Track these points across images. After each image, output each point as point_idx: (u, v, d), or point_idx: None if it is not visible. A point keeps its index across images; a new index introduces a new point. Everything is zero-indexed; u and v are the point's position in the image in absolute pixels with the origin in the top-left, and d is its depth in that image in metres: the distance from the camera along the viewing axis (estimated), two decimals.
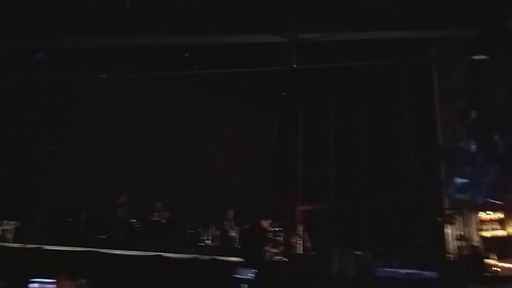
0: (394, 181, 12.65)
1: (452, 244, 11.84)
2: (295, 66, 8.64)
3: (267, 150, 14.98)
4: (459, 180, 9.15)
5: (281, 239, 11.03)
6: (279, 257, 10.32)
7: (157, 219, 11.09)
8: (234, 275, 7.00)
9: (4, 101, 10.74)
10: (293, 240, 11.46)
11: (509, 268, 12.01)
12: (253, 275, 6.80)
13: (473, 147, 9.18)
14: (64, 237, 9.64)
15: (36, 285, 5.95)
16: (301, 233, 11.73)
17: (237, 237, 11.07)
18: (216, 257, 9.18)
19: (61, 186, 11.62)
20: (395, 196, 12.46)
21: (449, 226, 11.99)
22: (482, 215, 13.16)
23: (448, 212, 12.19)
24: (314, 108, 14.92)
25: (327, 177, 14.43)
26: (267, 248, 9.39)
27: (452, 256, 11.57)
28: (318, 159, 14.80)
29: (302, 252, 11.26)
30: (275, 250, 9.98)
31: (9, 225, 8.88)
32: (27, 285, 6.00)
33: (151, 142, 12.71)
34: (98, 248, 8.84)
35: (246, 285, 6.74)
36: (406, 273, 9.69)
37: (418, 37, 10.09)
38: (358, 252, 10.08)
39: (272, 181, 14.76)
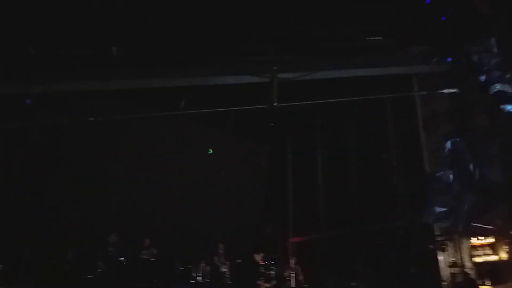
0: (385, 208, 12.68)
1: (445, 271, 11.79)
2: (276, 104, 8.94)
3: (257, 182, 14.94)
4: (438, 209, 9.42)
5: (274, 273, 10.82)
6: None
7: (146, 256, 10.84)
8: None
9: None
10: (286, 273, 11.27)
11: None
12: None
13: (450, 176, 9.49)
14: (51, 279, 9.34)
15: None
16: (294, 266, 11.55)
17: (229, 273, 10.85)
18: None
19: (48, 226, 11.36)
20: (387, 223, 12.45)
21: (441, 253, 11.97)
22: (474, 240, 13.20)
23: (439, 239, 12.19)
24: (302, 137, 15.04)
25: (318, 207, 14.39)
26: (259, 283, 9.19)
27: (446, 283, 11.50)
28: (308, 189, 14.80)
29: (295, 286, 11.05)
30: (268, 285, 9.77)
31: None
32: None
33: (139, 178, 12.60)
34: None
35: None
36: None
37: (389, 73, 10.32)
38: (353, 284, 9.96)
39: (263, 213, 14.64)
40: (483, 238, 13.38)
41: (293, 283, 11.09)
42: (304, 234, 14.20)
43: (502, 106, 9.20)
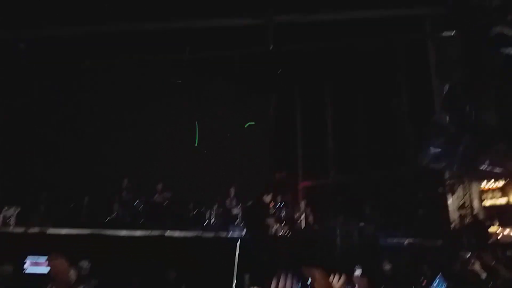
0: (394, 152, 12.64)
1: (454, 213, 11.91)
2: (271, 48, 9.05)
3: (266, 128, 14.92)
4: (433, 150, 9.52)
5: (284, 214, 11.06)
6: (282, 232, 10.37)
7: (159, 200, 11.10)
8: (228, 235, 7.01)
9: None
10: (296, 215, 11.51)
11: (510, 235, 12.14)
12: (244, 233, 6.84)
13: (446, 118, 9.54)
14: (67, 221, 9.68)
15: (30, 264, 6.01)
16: (304, 208, 11.77)
17: (240, 215, 11.10)
18: (219, 234, 9.20)
19: (64, 171, 11.65)
20: (396, 169, 12.45)
21: (450, 196, 12.04)
22: (484, 184, 13.23)
23: (449, 182, 12.22)
24: (310, 83, 14.74)
25: (327, 152, 14.40)
26: (270, 222, 9.41)
27: (454, 225, 11.65)
28: (317, 134, 14.74)
29: (305, 227, 11.32)
30: (278, 225, 10.02)
31: (10, 210, 8.88)
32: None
33: (152, 125, 12.71)
34: (102, 230, 8.87)
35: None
36: (409, 242, 9.78)
37: (388, 15, 10.06)
38: (361, 224, 10.13)
39: (273, 159, 14.73)
40: (492, 181, 13.43)
41: (303, 225, 11.36)
42: (314, 179, 14.35)
43: (501, 49, 9.03)
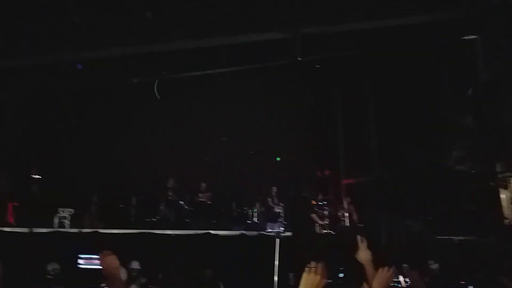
0: (440, 148, 12.18)
1: (507, 208, 11.34)
2: (299, 59, 9.51)
3: (307, 125, 14.84)
4: (456, 152, 9.92)
5: (327, 212, 10.98)
6: (326, 230, 10.31)
7: (203, 199, 11.35)
8: (266, 231, 7.05)
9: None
10: (339, 213, 11.39)
11: None
12: (283, 228, 6.86)
13: (469, 120, 9.84)
14: (118, 221, 10.13)
15: (83, 261, 6.33)
16: (347, 206, 11.62)
17: (282, 213, 11.14)
18: (263, 232, 9.28)
19: (112, 174, 12.18)
20: (444, 163, 12.03)
21: (503, 190, 11.46)
22: None
23: (501, 175, 11.64)
24: (350, 77, 14.44)
25: (370, 148, 14.09)
26: (314, 216, 9.36)
27: (508, 220, 11.09)
28: (359, 130, 14.46)
29: (349, 225, 11.18)
30: (322, 222, 9.97)
31: (65, 213, 9.40)
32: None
33: (195, 125, 13.01)
34: (150, 229, 9.20)
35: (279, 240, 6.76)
36: (460, 240, 9.42)
37: (409, 23, 9.95)
38: (408, 222, 9.88)
39: (315, 156, 14.63)
40: None
41: (347, 223, 11.22)
42: (357, 176, 14.09)
43: None
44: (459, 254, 8.65)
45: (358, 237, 2.45)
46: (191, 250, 8.45)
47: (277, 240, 6.80)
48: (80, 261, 6.36)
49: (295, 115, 13.86)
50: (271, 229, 6.97)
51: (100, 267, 2.44)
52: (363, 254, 2.54)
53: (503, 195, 11.60)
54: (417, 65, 12.14)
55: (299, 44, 9.52)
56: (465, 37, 9.79)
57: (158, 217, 10.91)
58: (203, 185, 11.45)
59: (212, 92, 13.03)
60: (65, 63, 10.77)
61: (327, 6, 9.42)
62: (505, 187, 11.40)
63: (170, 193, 11.24)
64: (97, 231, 8.97)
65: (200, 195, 11.30)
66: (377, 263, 2.64)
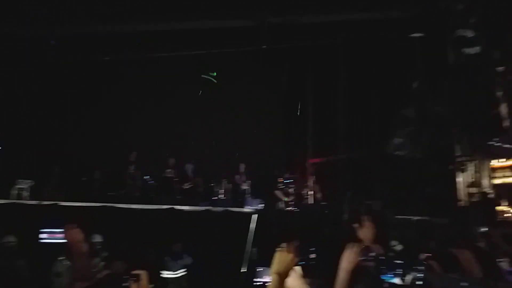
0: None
1: (463, 191, 11.87)
2: (264, 47, 10.44)
3: (276, 103, 14.86)
4: (396, 140, 10.89)
5: (292, 190, 11.13)
6: (291, 207, 10.47)
7: (170, 175, 11.23)
8: (244, 207, 7.11)
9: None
10: (304, 191, 11.58)
11: None
12: (263, 205, 6.95)
13: (412, 111, 10.95)
14: (80, 195, 9.88)
15: (45, 235, 6.15)
16: (312, 184, 11.83)
17: (249, 190, 11.21)
18: (229, 208, 9.32)
19: (75, 145, 11.82)
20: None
21: (460, 173, 11.97)
22: (494, 162, 13.12)
23: (459, 159, 12.12)
24: (323, 59, 14.50)
25: (337, 128, 14.29)
26: (278, 193, 9.49)
27: (463, 202, 11.63)
28: (327, 110, 14.61)
29: (313, 202, 11.40)
30: (286, 198, 10.12)
31: (24, 184, 9.06)
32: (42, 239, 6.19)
33: (161, 100, 12.76)
34: (113, 203, 9.03)
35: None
36: (417, 219, 9.81)
37: (363, 18, 11.18)
38: (369, 202, 10.17)
39: (282, 134, 14.72)
40: (504, 160, 13.30)
41: (311, 200, 11.44)
42: (323, 155, 14.31)
43: (462, 49, 10.32)
44: (416, 233, 8.99)
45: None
46: (155, 224, 8.38)
47: (254, 216, 6.85)
48: (41, 235, 6.14)
49: (265, 95, 13.86)
50: (251, 206, 6.99)
51: (64, 240, 2.36)
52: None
53: (459, 179, 12.14)
54: (377, 55, 12.52)
55: (264, 32, 10.32)
56: (412, 35, 10.74)
57: (122, 192, 10.74)
58: (172, 160, 11.30)
59: (181, 72, 12.80)
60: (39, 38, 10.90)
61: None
62: (462, 171, 11.92)
63: (133, 167, 11.03)
64: (57, 204, 8.72)
65: (168, 170, 11.16)
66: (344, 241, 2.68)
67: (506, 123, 10.58)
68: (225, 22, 10.83)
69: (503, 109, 10.52)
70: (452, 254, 2.31)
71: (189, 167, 11.38)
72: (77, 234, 2.40)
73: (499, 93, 10.50)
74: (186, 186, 11.05)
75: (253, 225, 6.68)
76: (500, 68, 10.53)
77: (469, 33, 10.20)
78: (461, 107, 10.35)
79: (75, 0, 10.27)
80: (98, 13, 10.41)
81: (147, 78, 12.68)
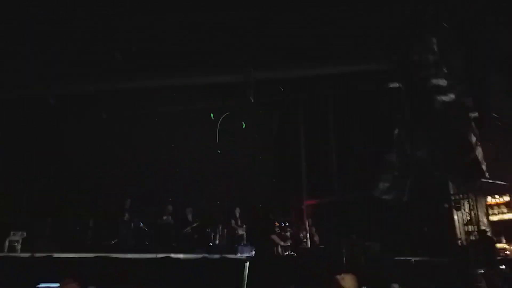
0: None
1: (460, 229, 11.84)
2: (252, 100, 11.11)
3: (269, 146, 14.99)
4: (382, 184, 11.58)
5: (289, 234, 11.02)
6: (288, 252, 10.32)
7: (165, 222, 11.08)
8: (236, 255, 6.95)
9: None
10: (301, 234, 11.46)
11: None
12: (254, 252, 6.79)
13: (394, 157, 11.70)
14: (73, 245, 9.69)
15: None
16: (309, 227, 11.73)
17: (245, 235, 11.08)
18: (225, 255, 9.14)
19: (68, 195, 11.72)
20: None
21: (456, 212, 11.99)
22: (490, 199, 13.19)
23: (454, 197, 12.18)
24: (313, 101, 14.83)
25: (331, 170, 14.38)
26: (274, 237, 9.37)
27: (461, 241, 11.57)
28: (320, 152, 14.77)
29: (310, 246, 11.26)
30: (283, 243, 9.99)
31: (16, 236, 8.89)
32: None
33: (154, 145, 12.83)
34: (107, 253, 8.84)
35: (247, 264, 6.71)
36: (417, 260, 9.70)
37: (342, 72, 11.84)
38: (367, 243, 10.06)
39: (277, 177, 14.75)
40: (498, 196, 13.38)
41: (308, 244, 11.30)
42: (318, 197, 14.30)
43: (437, 97, 11.14)
44: (416, 275, 8.86)
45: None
46: (151, 274, 8.18)
47: (247, 264, 6.70)
48: None
49: (259, 141, 14.06)
50: (242, 253, 6.84)
51: None
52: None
53: (455, 217, 12.14)
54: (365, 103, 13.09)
55: (252, 86, 11.10)
56: (391, 85, 11.74)
57: (116, 240, 10.56)
58: (170, 207, 11.21)
59: (174, 125, 13.10)
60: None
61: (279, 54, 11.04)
62: (458, 209, 11.96)
63: (127, 215, 10.90)
64: (51, 256, 8.51)
65: (165, 217, 11.03)
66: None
67: (483, 166, 11.23)
68: (214, 78, 11.70)
69: (479, 152, 11.33)
70: None
71: (189, 211, 11.25)
72: None
73: (473, 138, 11.40)
74: (187, 231, 10.89)
75: (245, 273, 6.51)
76: (473, 114, 11.47)
77: (442, 82, 11.13)
78: (440, 152, 11.13)
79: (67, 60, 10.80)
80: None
81: (141, 130, 12.87)
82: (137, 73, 11.12)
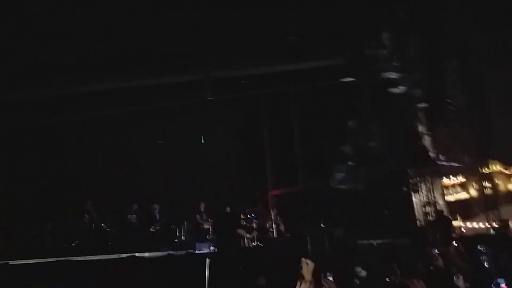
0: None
1: (419, 210, 12.28)
2: (210, 98, 11.71)
3: (233, 139, 14.96)
4: (337, 175, 12.18)
5: (255, 225, 11.06)
6: (255, 243, 10.36)
7: (129, 221, 10.84)
8: (196, 252, 6.94)
9: None
10: (268, 225, 11.53)
11: (473, 228, 12.68)
12: (214, 248, 6.81)
13: (349, 148, 12.30)
14: (31, 250, 9.33)
15: None
16: (274, 217, 11.82)
17: (211, 229, 11.02)
18: (191, 251, 9.08)
19: (23, 198, 11.25)
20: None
21: (414, 194, 12.43)
22: (445, 180, 13.77)
23: (412, 181, 12.60)
24: (277, 93, 14.88)
25: (295, 160, 14.53)
26: (240, 231, 9.39)
27: (420, 222, 12.01)
28: (284, 142, 14.88)
29: (276, 236, 11.35)
30: (249, 235, 10.01)
31: None
32: None
33: (116, 139, 12.60)
34: (69, 256, 8.57)
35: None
36: (379, 243, 9.99)
37: (299, 68, 12.51)
38: (331, 230, 10.27)
39: (241, 169, 14.75)
40: (453, 178, 14.00)
41: (275, 234, 11.39)
42: (283, 187, 14.42)
43: (389, 89, 11.76)
44: (378, 257, 9.12)
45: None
46: (117, 275, 8.00)
47: (208, 260, 6.67)
48: None
49: (223, 133, 14.01)
50: (200, 249, 6.80)
51: None
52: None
53: (414, 199, 12.58)
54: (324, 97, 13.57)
55: (208, 85, 11.66)
56: (345, 80, 12.33)
57: (77, 242, 10.24)
58: (135, 206, 10.96)
59: (137, 124, 12.88)
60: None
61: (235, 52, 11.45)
62: (416, 191, 12.40)
63: (86, 216, 10.58)
64: (7, 263, 8.16)
65: (129, 216, 10.78)
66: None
67: (431, 154, 12.02)
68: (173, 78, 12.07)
69: (426, 141, 12.11)
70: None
71: (156, 208, 11.04)
72: None
73: (422, 127, 12.16)
74: (155, 228, 10.69)
75: (207, 269, 6.50)
76: (422, 105, 12.12)
77: (393, 75, 11.73)
78: (391, 142, 11.82)
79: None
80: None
81: (104, 130, 12.56)
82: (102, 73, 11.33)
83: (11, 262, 8.23)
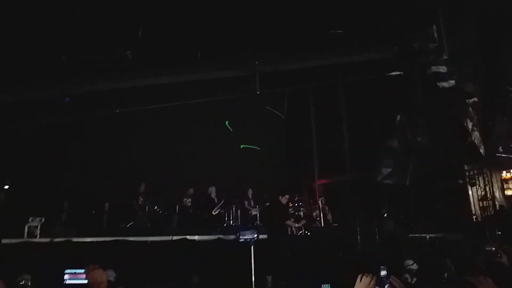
0: None
1: (475, 205, 11.75)
2: (258, 92, 11.74)
3: (281, 127, 14.96)
4: (384, 170, 11.82)
5: (302, 213, 11.05)
6: (302, 231, 10.36)
7: (180, 205, 11.19)
8: (239, 238, 7.00)
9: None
10: (315, 213, 11.49)
11: None
12: (256, 235, 6.82)
13: (395, 142, 12.02)
14: (90, 229, 9.86)
15: (68, 276, 6.05)
16: (322, 206, 11.75)
17: (258, 215, 11.14)
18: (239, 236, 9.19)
19: (83, 180, 11.87)
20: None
21: (470, 187, 11.88)
22: (504, 174, 13.02)
23: (468, 173, 12.06)
24: (323, 88, 14.69)
25: (343, 149, 14.32)
26: (289, 222, 9.42)
27: (476, 217, 11.50)
28: (331, 131, 14.70)
29: (324, 225, 11.30)
30: (297, 224, 10.02)
31: (35, 222, 9.05)
32: (57, 277, 6.11)
33: (170, 129, 13.00)
34: (124, 236, 8.98)
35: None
36: (431, 237, 9.67)
37: (347, 61, 12.51)
38: (381, 221, 10.06)
39: (289, 158, 14.75)
40: None
41: (321, 223, 11.34)
42: (330, 176, 14.29)
43: (437, 83, 11.44)
44: (430, 252, 8.84)
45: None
46: (168, 256, 8.30)
47: (252, 248, 6.75)
48: (65, 276, 6.04)
49: (271, 123, 13.98)
50: (244, 236, 6.88)
51: (85, 281, 2.36)
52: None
53: (470, 192, 12.03)
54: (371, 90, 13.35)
55: (257, 80, 11.74)
56: (393, 73, 12.07)
57: (132, 223, 10.71)
58: (190, 190, 11.29)
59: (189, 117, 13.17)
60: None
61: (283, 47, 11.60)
62: (473, 184, 11.84)
63: (141, 198, 11.01)
64: (70, 240, 8.70)
65: (185, 199, 11.12)
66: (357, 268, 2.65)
67: (481, 150, 11.44)
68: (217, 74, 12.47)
69: (475, 137, 11.50)
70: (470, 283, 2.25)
71: (212, 191, 11.30)
72: (100, 275, 2.39)
73: (470, 123, 11.57)
74: (215, 212, 10.97)
75: (252, 257, 6.58)
76: (471, 100, 11.62)
77: (442, 69, 11.46)
78: (439, 137, 11.50)
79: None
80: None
81: (158, 123, 13.01)
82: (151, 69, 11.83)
83: (73, 240, 8.76)
